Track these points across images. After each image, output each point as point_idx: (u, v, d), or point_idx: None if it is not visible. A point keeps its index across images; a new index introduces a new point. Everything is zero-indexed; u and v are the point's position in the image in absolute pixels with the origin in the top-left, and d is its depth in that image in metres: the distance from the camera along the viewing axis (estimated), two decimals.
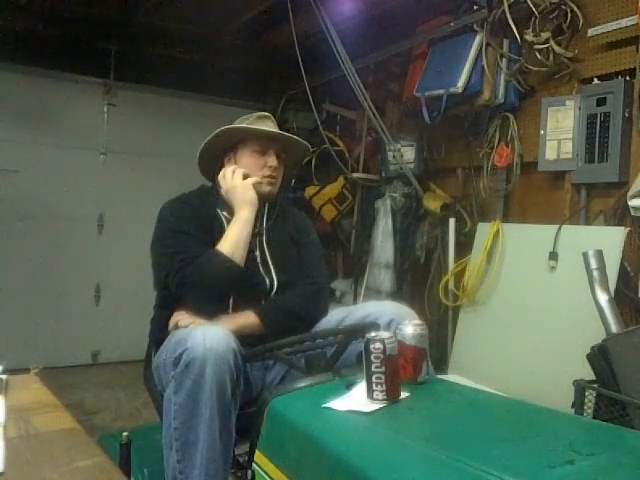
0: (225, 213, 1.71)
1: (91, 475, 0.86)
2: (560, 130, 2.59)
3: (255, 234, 1.73)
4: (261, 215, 1.77)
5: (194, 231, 1.64)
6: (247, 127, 1.74)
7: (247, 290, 1.65)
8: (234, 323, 1.56)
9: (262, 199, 1.74)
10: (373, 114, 3.26)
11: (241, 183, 1.69)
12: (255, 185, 1.70)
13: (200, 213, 1.70)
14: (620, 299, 2.15)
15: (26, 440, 0.99)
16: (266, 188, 1.74)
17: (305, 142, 1.87)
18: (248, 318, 1.60)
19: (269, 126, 1.78)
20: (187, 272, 1.56)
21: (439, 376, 1.57)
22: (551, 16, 2.53)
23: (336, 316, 1.69)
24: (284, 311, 1.65)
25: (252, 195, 1.68)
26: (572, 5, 2.48)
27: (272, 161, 1.74)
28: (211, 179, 1.85)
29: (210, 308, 1.60)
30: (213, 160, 1.81)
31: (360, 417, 1.15)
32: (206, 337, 1.32)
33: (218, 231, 1.65)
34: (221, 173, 1.74)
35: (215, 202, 1.74)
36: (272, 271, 1.70)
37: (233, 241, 1.61)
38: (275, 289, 1.69)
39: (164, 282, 1.61)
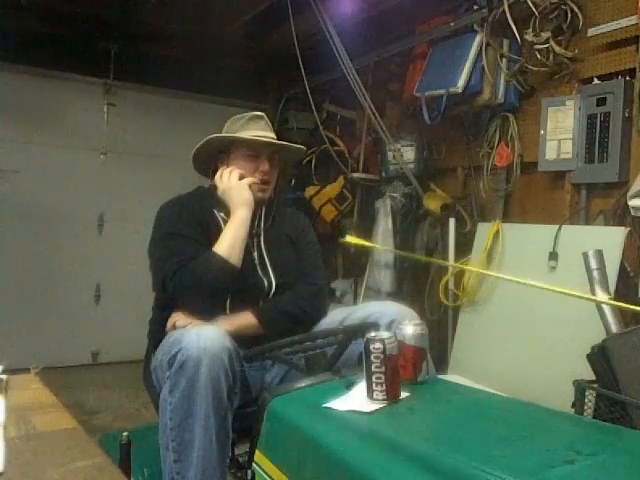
0: (222, 214, 1.71)
1: (91, 475, 0.86)
2: (560, 130, 2.59)
3: (253, 235, 1.73)
4: (259, 216, 1.77)
5: (191, 233, 1.64)
6: (235, 137, 1.74)
7: (245, 291, 1.65)
8: (232, 324, 1.56)
9: (255, 203, 1.73)
10: (373, 114, 3.26)
11: (237, 184, 1.69)
12: (250, 186, 1.70)
13: (197, 214, 1.70)
14: (620, 299, 2.15)
15: (26, 440, 0.99)
16: (257, 194, 1.73)
17: (298, 146, 1.86)
18: (246, 319, 1.60)
19: (262, 128, 1.78)
20: (184, 274, 1.56)
21: (439, 376, 1.57)
22: (551, 16, 2.53)
23: (337, 316, 1.69)
24: (282, 312, 1.65)
25: (248, 195, 1.68)
26: (572, 5, 2.48)
27: (264, 166, 1.73)
28: (206, 175, 1.85)
29: (208, 309, 1.60)
30: (208, 161, 1.81)
31: (360, 417, 1.15)
32: (200, 337, 1.33)
33: (215, 232, 1.65)
34: (218, 174, 1.74)
35: (212, 203, 1.73)
36: (270, 272, 1.70)
37: (229, 242, 1.61)
38: (273, 290, 1.69)
39: (162, 284, 1.61)
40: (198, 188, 1.85)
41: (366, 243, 1.81)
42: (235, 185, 1.68)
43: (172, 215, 1.70)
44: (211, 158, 1.80)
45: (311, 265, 1.80)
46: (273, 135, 1.80)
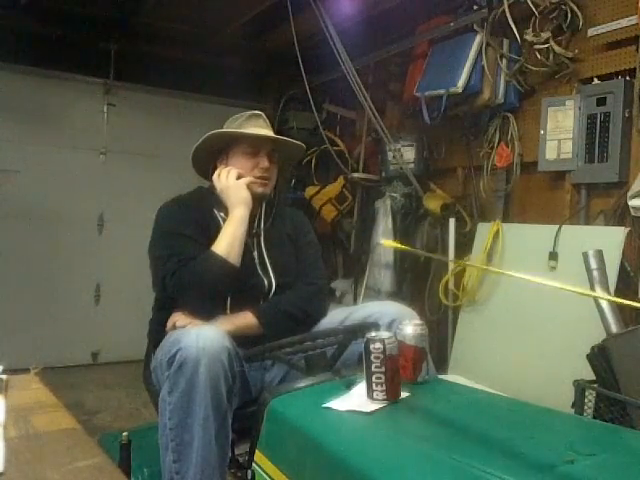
0: (222, 214, 1.71)
1: (91, 475, 0.86)
2: (560, 130, 2.59)
3: (253, 235, 1.73)
4: (258, 216, 1.77)
5: (190, 233, 1.64)
6: (235, 131, 1.74)
7: (245, 291, 1.65)
8: (232, 324, 1.56)
9: (256, 200, 1.74)
10: (373, 114, 3.26)
11: (235, 183, 1.69)
12: (248, 185, 1.70)
13: (197, 214, 1.70)
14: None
15: (26, 440, 0.99)
16: (258, 189, 1.73)
17: (297, 142, 1.86)
18: (246, 319, 1.60)
19: (260, 125, 1.78)
20: (183, 274, 1.56)
21: (439, 376, 1.57)
22: (551, 16, 2.53)
23: (337, 316, 1.69)
24: (282, 312, 1.65)
25: (246, 195, 1.68)
26: (572, 5, 2.48)
27: (263, 162, 1.73)
28: (207, 177, 1.85)
29: (208, 309, 1.60)
30: (207, 161, 1.81)
31: (360, 417, 1.15)
32: (200, 337, 1.33)
33: (215, 232, 1.65)
34: (216, 173, 1.74)
35: (212, 203, 1.73)
36: (270, 272, 1.70)
37: (228, 242, 1.61)
38: (274, 290, 1.69)
39: (162, 284, 1.61)
40: (198, 188, 1.85)
41: (403, 247, 1.97)
42: (233, 184, 1.69)
43: (172, 215, 1.70)
44: (210, 157, 1.80)
45: (311, 265, 1.80)
46: (272, 132, 1.81)
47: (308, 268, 1.78)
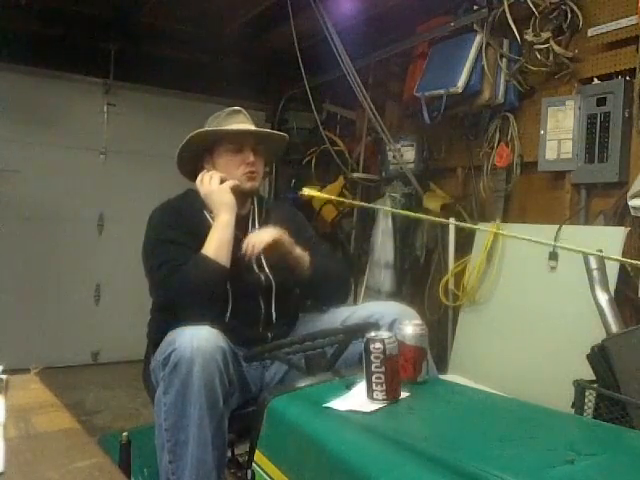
0: (212, 214, 1.69)
1: (91, 475, 0.86)
2: (560, 130, 2.59)
3: (249, 234, 1.73)
4: (252, 215, 1.78)
5: (180, 238, 1.62)
6: (216, 129, 1.73)
7: (245, 289, 1.65)
8: (296, 250, 1.68)
9: (247, 195, 1.74)
10: (373, 114, 3.26)
11: (218, 188, 1.66)
12: (234, 187, 1.68)
13: (187, 218, 1.69)
14: (620, 299, 2.15)
15: (26, 440, 0.99)
16: (247, 184, 1.72)
17: (280, 133, 1.87)
18: (305, 256, 1.69)
19: (241, 121, 1.77)
20: (174, 280, 1.54)
21: (439, 376, 1.57)
22: (551, 16, 2.53)
23: (338, 316, 1.68)
24: (328, 267, 1.76)
25: (229, 199, 1.66)
26: (572, 5, 2.48)
27: (248, 157, 1.71)
28: (193, 180, 1.83)
29: (208, 309, 1.59)
30: (194, 162, 1.79)
31: (360, 417, 1.14)
32: (194, 337, 1.32)
33: (205, 234, 1.63)
34: (198, 178, 1.72)
35: (201, 205, 1.71)
36: (265, 268, 1.70)
37: (216, 245, 1.59)
38: (274, 287, 1.69)
39: (156, 292, 1.61)
40: (187, 191, 1.82)
41: (322, 195, 2.28)
42: (216, 189, 1.66)
43: (162, 221, 1.69)
44: (196, 158, 1.78)
45: (326, 256, 1.83)
46: (253, 127, 1.79)
47: (325, 259, 1.80)
